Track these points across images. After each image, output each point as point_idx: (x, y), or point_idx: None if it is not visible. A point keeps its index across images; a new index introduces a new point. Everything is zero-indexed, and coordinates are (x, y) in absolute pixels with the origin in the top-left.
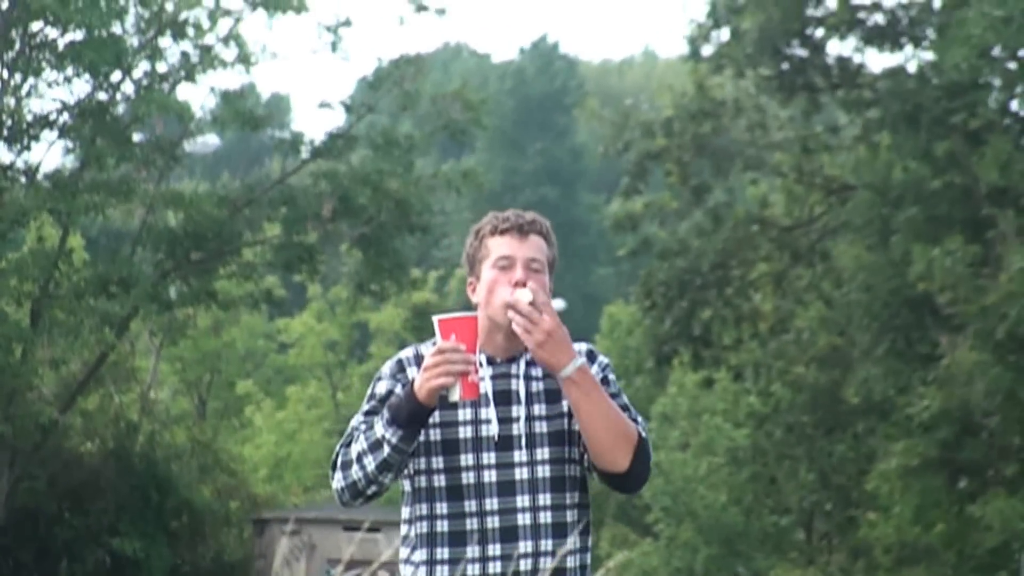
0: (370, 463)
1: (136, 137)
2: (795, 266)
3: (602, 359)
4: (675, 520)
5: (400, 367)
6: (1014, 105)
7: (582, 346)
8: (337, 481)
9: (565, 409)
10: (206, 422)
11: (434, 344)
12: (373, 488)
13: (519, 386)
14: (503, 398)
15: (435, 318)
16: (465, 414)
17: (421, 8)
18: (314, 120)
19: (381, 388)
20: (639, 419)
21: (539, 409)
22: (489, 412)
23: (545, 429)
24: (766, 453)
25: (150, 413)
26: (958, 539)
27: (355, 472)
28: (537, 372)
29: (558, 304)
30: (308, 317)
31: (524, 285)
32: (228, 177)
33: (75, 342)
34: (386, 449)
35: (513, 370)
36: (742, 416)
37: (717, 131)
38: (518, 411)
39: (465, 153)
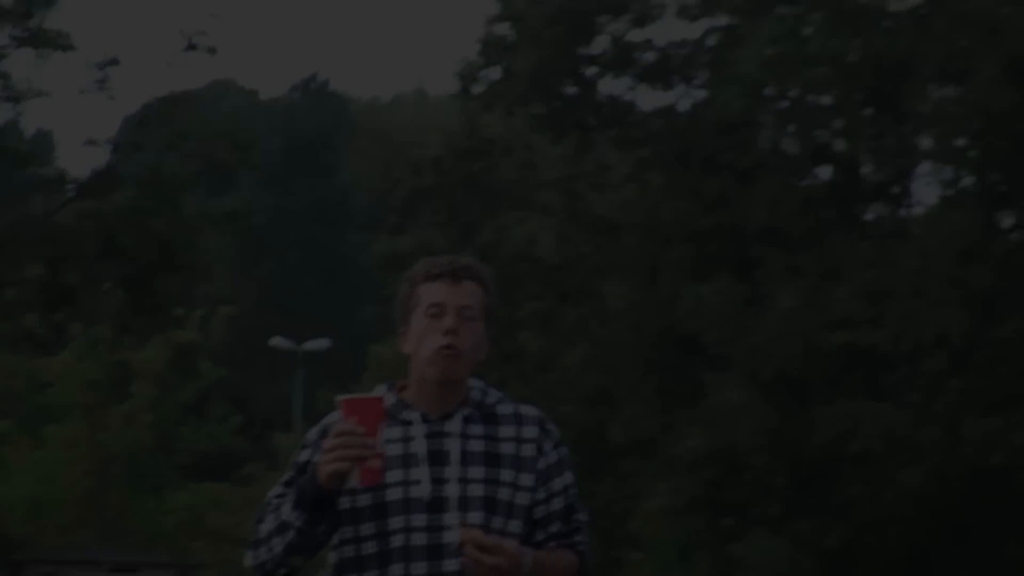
0: (278, 545)
1: None
2: (562, 305)
3: (554, 431)
4: None
5: (324, 434)
6: (785, 144)
7: (532, 410)
8: (249, 559)
9: (502, 478)
10: None
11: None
12: (283, 570)
13: (453, 446)
14: (437, 458)
15: (338, 398)
16: (395, 475)
17: (191, 47)
18: (79, 158)
19: (303, 457)
20: (582, 516)
21: (475, 472)
22: (420, 472)
23: (480, 493)
24: None
25: None
26: None
27: (264, 552)
28: (476, 431)
29: (323, 343)
30: (68, 356)
31: (455, 332)
32: None
33: None
34: (291, 533)
35: (447, 428)
36: None
37: (487, 169)
38: (451, 472)
39: (232, 190)
